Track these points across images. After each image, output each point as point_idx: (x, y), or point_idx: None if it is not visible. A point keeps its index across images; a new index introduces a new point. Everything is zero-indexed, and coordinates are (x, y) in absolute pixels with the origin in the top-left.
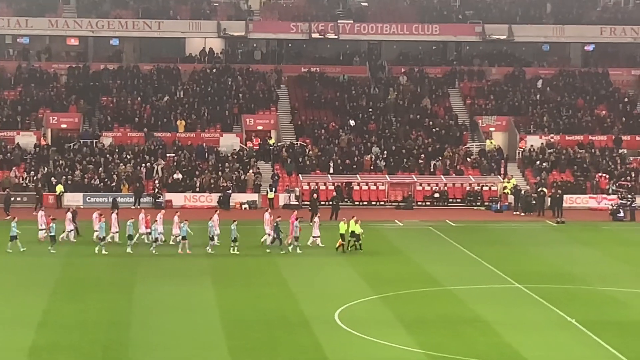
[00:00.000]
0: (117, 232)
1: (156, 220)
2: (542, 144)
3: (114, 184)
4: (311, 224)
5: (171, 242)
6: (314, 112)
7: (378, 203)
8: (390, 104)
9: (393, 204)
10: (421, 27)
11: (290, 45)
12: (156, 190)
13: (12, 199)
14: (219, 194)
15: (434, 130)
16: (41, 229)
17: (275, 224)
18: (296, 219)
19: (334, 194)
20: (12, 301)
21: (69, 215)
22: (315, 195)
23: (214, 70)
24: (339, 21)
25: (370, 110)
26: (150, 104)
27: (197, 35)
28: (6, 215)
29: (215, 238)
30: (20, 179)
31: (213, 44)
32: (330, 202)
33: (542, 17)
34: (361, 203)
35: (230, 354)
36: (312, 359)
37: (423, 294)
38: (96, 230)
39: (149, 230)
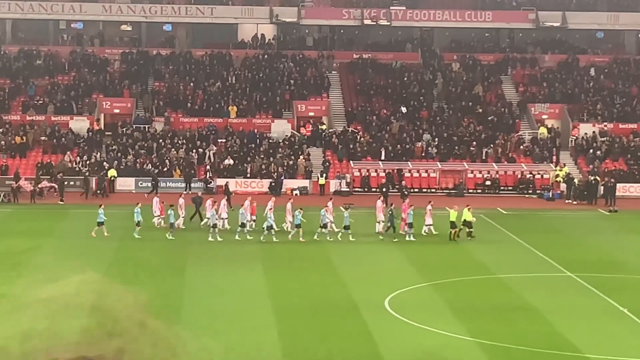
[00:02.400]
0: (226, 218)
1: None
2: (595, 132)
3: (165, 169)
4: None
5: (284, 228)
6: (365, 99)
7: (429, 190)
8: (438, 91)
9: (444, 191)
10: (474, 13)
11: (342, 31)
12: (208, 175)
13: (65, 183)
14: (270, 180)
15: (486, 117)
16: (156, 216)
17: (390, 212)
18: (410, 207)
19: (384, 181)
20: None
21: (181, 201)
22: (384, 181)
23: (266, 56)
24: (391, 7)
25: (422, 97)
26: (202, 89)
27: (249, 21)
28: (60, 201)
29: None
30: (74, 164)
31: (265, 30)
32: (379, 189)
33: (596, 4)
34: (412, 190)
35: (280, 338)
36: (361, 344)
37: (473, 281)
38: (208, 218)
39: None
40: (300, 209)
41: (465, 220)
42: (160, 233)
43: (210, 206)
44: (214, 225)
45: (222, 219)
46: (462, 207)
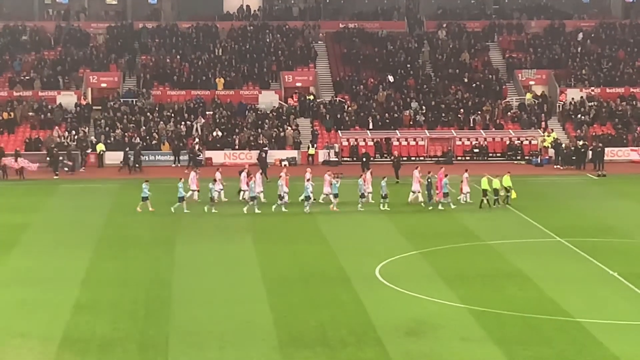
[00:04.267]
0: (261, 191)
1: (252, 179)
2: (582, 97)
3: (154, 142)
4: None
5: (320, 200)
6: (352, 68)
7: (418, 158)
8: (425, 59)
9: (433, 159)
10: None
11: (328, 1)
12: (196, 147)
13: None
14: (258, 151)
15: (473, 84)
16: (193, 190)
17: (428, 181)
18: (445, 176)
19: (364, 150)
20: (55, 259)
21: (218, 175)
22: (364, 151)
23: (252, 27)
24: None
25: (409, 65)
26: (189, 62)
27: None
28: (55, 175)
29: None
30: (62, 138)
31: (250, 1)
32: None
33: None
34: (401, 158)
35: (272, 309)
36: (353, 314)
37: (463, 249)
38: (244, 190)
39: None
40: (338, 176)
41: (506, 186)
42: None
43: (245, 179)
44: (253, 198)
45: (259, 192)
46: (492, 174)
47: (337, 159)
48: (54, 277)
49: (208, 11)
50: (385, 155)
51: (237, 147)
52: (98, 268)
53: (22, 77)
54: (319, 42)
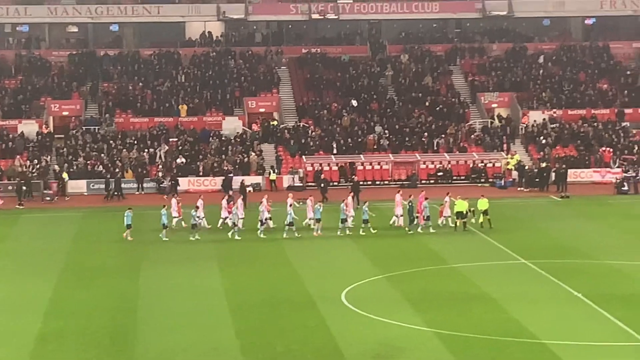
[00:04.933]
0: (242, 218)
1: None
2: (544, 119)
3: (117, 170)
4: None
5: (304, 224)
6: (315, 93)
7: (382, 182)
8: (388, 83)
9: (397, 182)
10: (421, 5)
11: (290, 26)
12: (160, 175)
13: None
14: (222, 177)
15: (436, 108)
16: (175, 217)
17: (410, 204)
18: (425, 199)
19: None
20: (19, 288)
21: (200, 202)
22: (322, 176)
23: (215, 53)
24: (338, 1)
25: (372, 89)
26: (151, 89)
27: (196, 18)
28: (19, 204)
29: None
30: (24, 168)
31: (213, 28)
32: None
33: None
34: (365, 182)
35: (237, 335)
36: (319, 338)
37: (429, 272)
38: (225, 217)
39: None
40: (320, 202)
41: (483, 209)
42: (112, 234)
43: (226, 205)
44: (234, 224)
45: (240, 218)
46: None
47: (301, 184)
48: (18, 307)
49: (170, 38)
50: (350, 179)
51: (201, 173)
52: (63, 297)
53: None
54: (282, 67)
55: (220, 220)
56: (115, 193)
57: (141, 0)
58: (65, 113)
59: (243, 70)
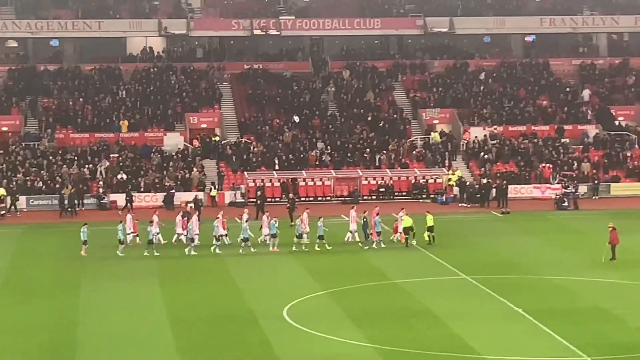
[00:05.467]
0: (198, 234)
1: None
2: (485, 135)
3: (57, 186)
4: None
5: (259, 241)
6: (257, 109)
7: (324, 198)
8: (330, 99)
9: (339, 198)
10: (363, 21)
11: (232, 42)
12: (101, 191)
13: None
14: (164, 194)
15: (378, 124)
16: (129, 233)
17: (364, 220)
18: (377, 215)
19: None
20: None
21: (155, 217)
22: (259, 193)
23: (156, 69)
24: (280, 17)
25: (314, 106)
26: (92, 104)
27: (137, 34)
28: None
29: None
30: None
31: (154, 43)
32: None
33: (482, 9)
34: (307, 198)
35: (179, 352)
36: (260, 355)
37: (371, 287)
38: (180, 233)
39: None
40: (276, 217)
41: (430, 226)
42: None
43: (180, 221)
44: (192, 239)
45: (196, 234)
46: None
47: (243, 200)
48: None
49: (111, 53)
50: (290, 195)
51: (142, 189)
52: (2, 314)
53: None
54: (224, 83)
55: (175, 236)
56: (69, 209)
57: (82, 15)
58: (4, 129)
59: (184, 86)
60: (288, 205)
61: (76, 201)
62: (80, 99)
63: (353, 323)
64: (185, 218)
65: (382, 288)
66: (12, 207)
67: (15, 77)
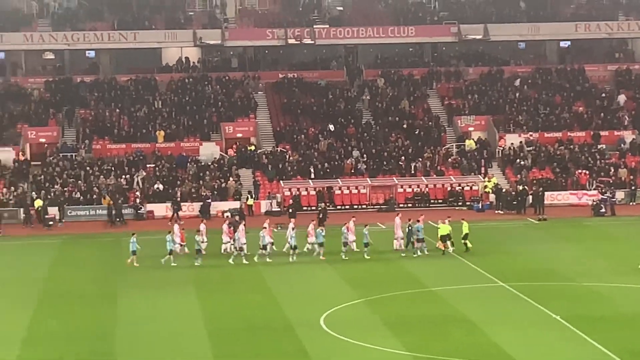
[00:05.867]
0: (244, 242)
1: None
2: (521, 142)
3: (94, 196)
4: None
5: (306, 250)
6: (292, 118)
7: (360, 206)
8: (365, 107)
9: (375, 206)
10: (397, 29)
11: (266, 51)
12: (137, 201)
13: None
14: (200, 203)
15: (413, 132)
16: (177, 243)
17: (408, 228)
18: (419, 222)
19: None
20: None
21: (202, 227)
22: (291, 202)
23: (191, 79)
24: (314, 26)
25: (349, 114)
26: (128, 115)
27: (173, 44)
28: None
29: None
30: (0, 195)
31: (189, 53)
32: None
33: (517, 16)
34: (343, 207)
35: None
36: None
37: (408, 295)
38: (227, 242)
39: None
40: (322, 226)
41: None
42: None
43: (227, 230)
44: (241, 248)
45: (243, 243)
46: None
47: (279, 209)
48: None
49: (146, 64)
50: (328, 204)
51: (178, 199)
52: (40, 324)
53: None
54: (259, 92)
55: (223, 246)
56: (117, 219)
57: (117, 26)
58: (42, 140)
59: (220, 95)
60: (319, 214)
61: (113, 211)
62: (117, 110)
63: (390, 331)
64: (232, 227)
65: (419, 296)
66: (57, 218)
67: (52, 88)
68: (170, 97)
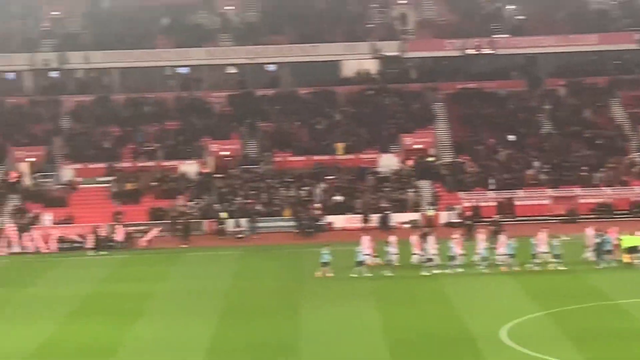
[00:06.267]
0: (435, 253)
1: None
2: None
3: (276, 208)
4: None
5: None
6: (471, 129)
7: (541, 218)
8: (544, 116)
9: (556, 218)
10: (578, 37)
11: (445, 62)
12: (317, 213)
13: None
14: (380, 215)
15: (595, 141)
16: (366, 254)
17: (601, 239)
18: (613, 234)
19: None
20: (180, 328)
21: (415, 238)
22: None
23: (370, 91)
24: (494, 36)
25: (529, 124)
26: (308, 127)
27: (352, 57)
28: (185, 243)
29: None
30: (185, 207)
31: (368, 65)
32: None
33: None
34: (524, 218)
35: None
36: None
37: (591, 308)
38: (416, 254)
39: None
40: (513, 237)
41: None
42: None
43: (417, 242)
44: (430, 260)
45: (434, 254)
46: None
47: (459, 221)
48: (180, 346)
49: (326, 77)
50: (508, 215)
51: (358, 211)
52: (223, 336)
53: (145, 148)
54: (438, 103)
55: (413, 257)
56: (310, 230)
57: (297, 40)
58: (224, 153)
59: (399, 107)
60: (493, 226)
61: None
62: (297, 123)
63: (573, 345)
64: (422, 238)
65: (603, 309)
66: (243, 229)
67: (234, 102)
68: (350, 109)
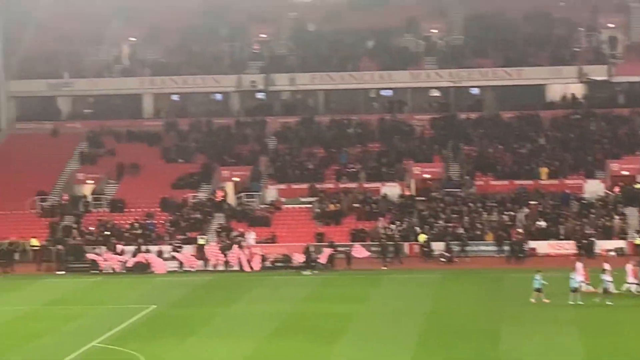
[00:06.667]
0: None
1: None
2: None
3: (478, 232)
4: None
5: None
6: None
7: None
8: None
9: None
10: None
11: None
12: (521, 238)
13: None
14: (585, 241)
15: None
16: (580, 281)
17: None
18: None
19: None
20: (379, 349)
21: (630, 266)
22: None
23: (576, 115)
24: None
25: None
26: (511, 151)
27: (557, 81)
28: (384, 266)
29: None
30: (387, 229)
31: (574, 90)
32: None
33: None
34: None
35: None
36: None
37: None
38: (631, 283)
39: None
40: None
41: None
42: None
43: (630, 270)
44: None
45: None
46: None
47: None
48: None
49: (530, 100)
50: None
51: (561, 237)
52: (425, 357)
53: (348, 169)
54: None
55: (626, 286)
56: (521, 255)
57: (502, 63)
58: (426, 176)
59: (605, 132)
60: None
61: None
62: (500, 147)
63: None
64: (638, 267)
65: None
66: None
67: (437, 125)
68: (554, 133)
